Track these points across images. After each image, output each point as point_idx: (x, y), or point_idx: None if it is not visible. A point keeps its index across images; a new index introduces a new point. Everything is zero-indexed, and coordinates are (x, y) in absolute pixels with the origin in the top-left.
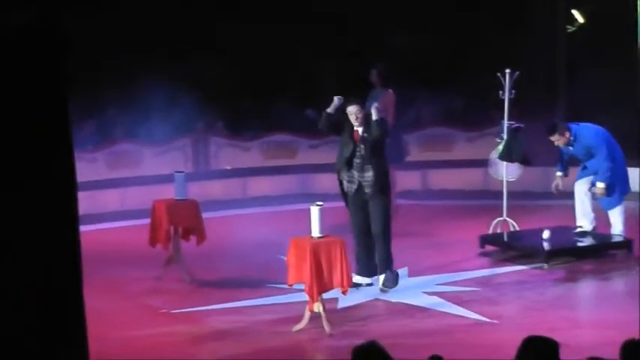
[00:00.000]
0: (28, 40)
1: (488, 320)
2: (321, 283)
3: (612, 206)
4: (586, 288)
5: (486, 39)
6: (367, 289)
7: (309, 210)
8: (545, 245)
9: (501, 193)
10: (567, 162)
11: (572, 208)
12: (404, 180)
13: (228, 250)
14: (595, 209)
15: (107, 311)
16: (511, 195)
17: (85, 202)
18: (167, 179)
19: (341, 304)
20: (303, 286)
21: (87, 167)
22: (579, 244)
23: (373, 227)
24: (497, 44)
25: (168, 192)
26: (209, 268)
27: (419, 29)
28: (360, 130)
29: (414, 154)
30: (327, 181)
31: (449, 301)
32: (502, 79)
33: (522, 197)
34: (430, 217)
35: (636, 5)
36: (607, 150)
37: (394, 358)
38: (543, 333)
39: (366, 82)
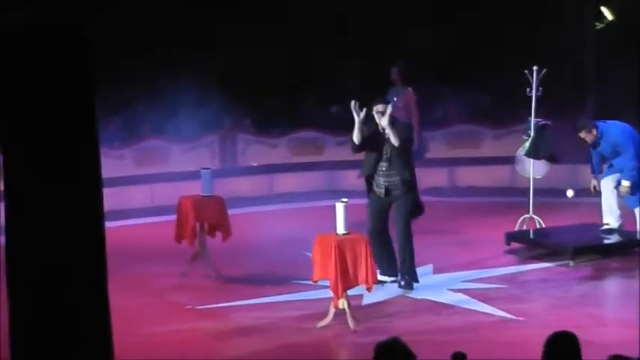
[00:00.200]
0: (53, 40)
1: (513, 317)
2: (345, 280)
3: (637, 204)
4: (612, 286)
5: (514, 36)
6: (392, 286)
7: (334, 206)
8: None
9: (528, 190)
10: (599, 163)
11: (599, 205)
12: (430, 177)
13: (254, 247)
14: (621, 207)
15: (132, 307)
16: (537, 192)
17: (112, 199)
18: (194, 176)
19: (365, 301)
20: (328, 283)
21: (114, 164)
22: (605, 241)
23: (397, 227)
24: (525, 41)
25: (195, 188)
26: (234, 265)
27: (443, 26)
28: (385, 129)
29: (442, 151)
30: (353, 178)
31: (474, 298)
32: (529, 77)
33: (549, 194)
34: (457, 214)
35: None
36: (634, 148)
37: (417, 355)
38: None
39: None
